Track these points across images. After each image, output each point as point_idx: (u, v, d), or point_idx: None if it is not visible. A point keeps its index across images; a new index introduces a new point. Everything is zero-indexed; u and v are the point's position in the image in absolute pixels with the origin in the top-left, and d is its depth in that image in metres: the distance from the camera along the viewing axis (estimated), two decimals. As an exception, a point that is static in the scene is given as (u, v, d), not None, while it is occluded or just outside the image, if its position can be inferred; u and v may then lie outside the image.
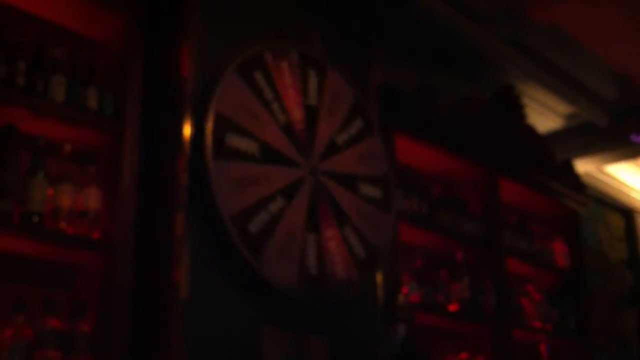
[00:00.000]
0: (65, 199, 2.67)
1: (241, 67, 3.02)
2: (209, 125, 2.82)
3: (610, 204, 6.69)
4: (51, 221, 2.63)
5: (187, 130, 2.80)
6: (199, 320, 2.67)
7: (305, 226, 3.05)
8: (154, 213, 2.80)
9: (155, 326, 2.69)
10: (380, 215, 3.36)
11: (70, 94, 2.74)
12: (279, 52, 3.19)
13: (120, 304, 2.63)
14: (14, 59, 2.63)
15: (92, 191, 2.74)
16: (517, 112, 4.78)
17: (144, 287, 2.71)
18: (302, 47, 3.29)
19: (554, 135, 5.61)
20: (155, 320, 2.70)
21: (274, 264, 2.88)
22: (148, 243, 2.76)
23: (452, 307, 3.97)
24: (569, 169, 5.07)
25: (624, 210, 6.88)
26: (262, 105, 3.06)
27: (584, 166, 5.79)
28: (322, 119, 3.26)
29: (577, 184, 5.07)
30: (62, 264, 2.81)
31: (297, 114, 3.18)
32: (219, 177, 2.80)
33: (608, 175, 6.47)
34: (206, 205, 2.77)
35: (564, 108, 5.43)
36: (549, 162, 4.88)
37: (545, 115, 5.45)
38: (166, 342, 2.62)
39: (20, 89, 2.62)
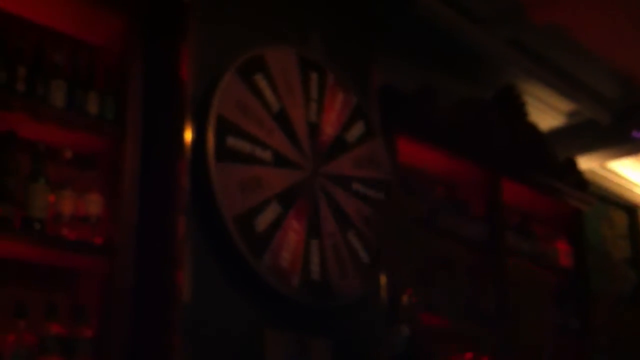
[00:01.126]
0: (67, 205, 2.68)
1: (301, 59, 3.22)
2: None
3: (613, 202, 6.67)
4: (53, 227, 2.63)
5: (188, 132, 2.79)
6: (201, 322, 2.67)
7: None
8: (156, 216, 2.79)
9: (158, 329, 2.69)
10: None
11: (70, 99, 2.74)
12: (342, 80, 3.36)
13: (122, 307, 2.63)
14: (14, 64, 2.63)
15: (93, 197, 2.74)
16: (518, 111, 4.77)
17: (147, 290, 2.72)
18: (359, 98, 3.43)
19: (557, 133, 5.59)
20: (157, 323, 2.70)
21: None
22: (150, 246, 2.76)
23: (454, 308, 3.96)
24: (571, 167, 5.05)
25: (628, 208, 6.86)
26: (303, 94, 3.20)
27: (586, 163, 5.77)
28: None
29: (580, 182, 5.05)
30: (64, 268, 2.81)
31: (329, 129, 3.27)
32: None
33: (611, 171, 6.46)
34: (207, 206, 2.77)
35: (565, 106, 5.41)
36: (551, 160, 4.86)
37: (547, 113, 5.44)
38: (169, 345, 2.62)
39: (20, 94, 2.62)
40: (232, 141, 2.87)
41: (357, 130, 3.37)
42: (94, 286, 2.78)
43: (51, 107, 2.69)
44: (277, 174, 3.01)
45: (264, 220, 2.91)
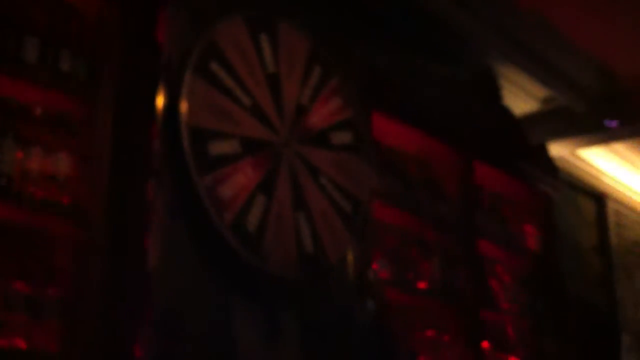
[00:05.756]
0: (35, 162, 2.64)
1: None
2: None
3: (582, 189, 6.73)
4: (19, 184, 2.59)
5: (160, 99, 2.77)
6: (169, 288, 2.66)
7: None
8: (126, 179, 2.76)
9: (126, 293, 2.65)
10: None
11: (43, 57, 2.70)
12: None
13: (91, 269, 2.60)
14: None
15: (62, 155, 2.71)
16: (493, 94, 4.78)
17: (116, 253, 2.68)
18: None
19: (530, 118, 5.61)
20: (125, 288, 2.66)
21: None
22: (120, 209, 2.72)
23: (422, 285, 3.98)
24: (543, 152, 5.08)
25: (596, 196, 6.92)
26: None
27: (557, 150, 5.80)
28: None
29: (551, 168, 5.09)
30: (35, 229, 2.74)
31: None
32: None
33: (581, 159, 6.51)
34: (179, 174, 2.76)
35: (540, 91, 5.43)
36: (523, 145, 4.89)
37: (521, 98, 5.45)
38: (137, 311, 2.60)
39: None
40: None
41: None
42: (66, 248, 2.73)
43: (23, 64, 2.65)
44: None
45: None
